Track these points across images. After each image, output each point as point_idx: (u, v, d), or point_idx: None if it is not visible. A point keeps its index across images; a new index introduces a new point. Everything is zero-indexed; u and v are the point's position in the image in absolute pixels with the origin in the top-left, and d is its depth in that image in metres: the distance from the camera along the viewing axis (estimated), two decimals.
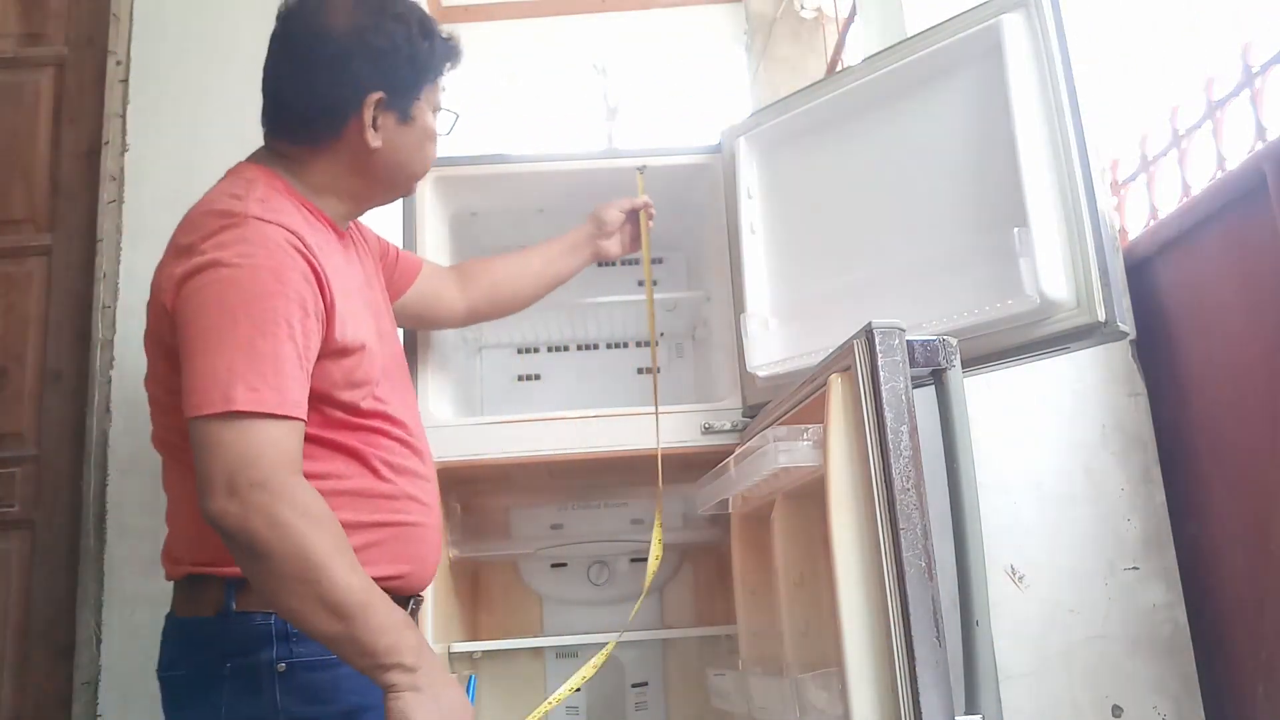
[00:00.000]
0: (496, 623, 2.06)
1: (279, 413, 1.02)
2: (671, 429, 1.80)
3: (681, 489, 1.92)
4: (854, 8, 2.52)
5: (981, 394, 1.84)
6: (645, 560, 2.12)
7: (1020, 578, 1.82)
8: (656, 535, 1.69)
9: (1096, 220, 1.37)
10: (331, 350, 1.15)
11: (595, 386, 2.18)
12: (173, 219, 1.92)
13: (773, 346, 1.74)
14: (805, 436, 1.26)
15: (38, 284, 1.94)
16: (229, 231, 1.10)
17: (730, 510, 1.69)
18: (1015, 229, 1.38)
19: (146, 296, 1.90)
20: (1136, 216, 1.99)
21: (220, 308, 1.05)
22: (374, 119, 1.23)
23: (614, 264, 2.23)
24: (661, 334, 2.25)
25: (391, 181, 1.32)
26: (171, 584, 1.23)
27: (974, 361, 1.40)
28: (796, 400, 1.41)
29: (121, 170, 1.94)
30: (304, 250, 1.13)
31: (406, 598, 1.25)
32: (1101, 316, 1.34)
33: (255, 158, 1.28)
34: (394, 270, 1.53)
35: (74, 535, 1.81)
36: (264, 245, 1.09)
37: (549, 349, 2.21)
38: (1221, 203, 1.62)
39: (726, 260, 1.86)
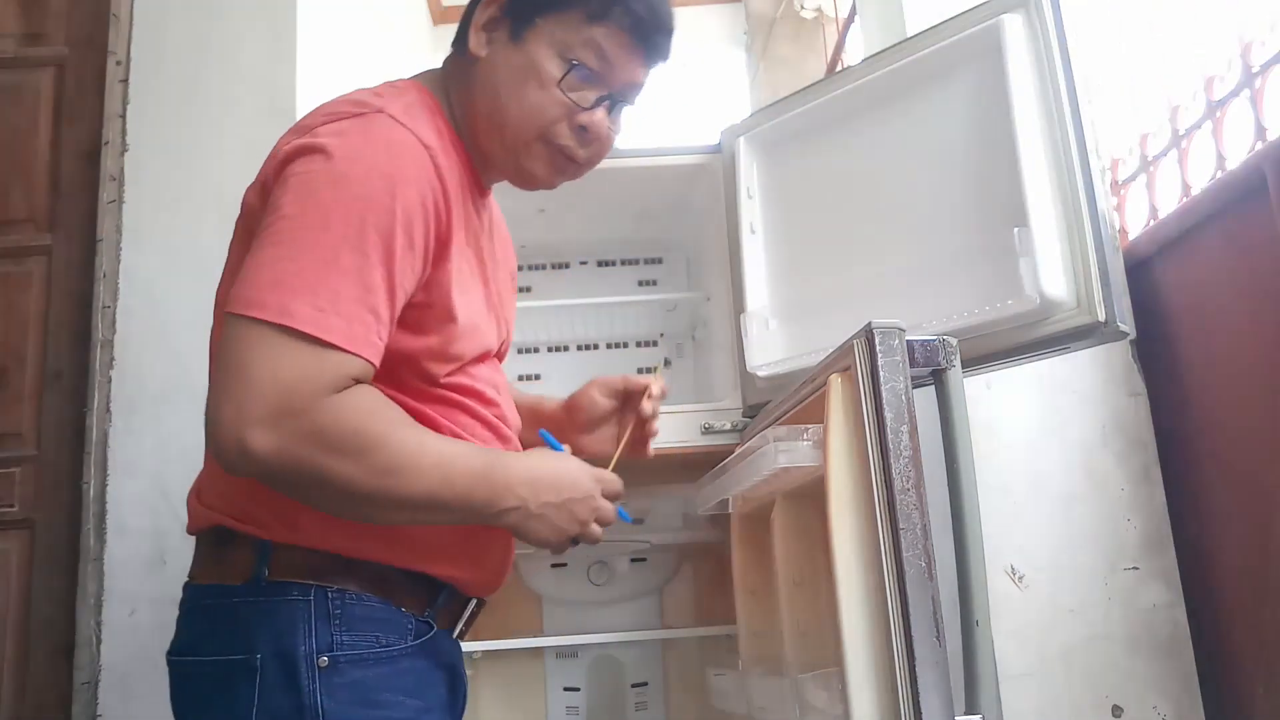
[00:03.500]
0: (496, 623, 2.06)
1: (340, 345, 0.85)
2: (671, 429, 1.79)
3: (682, 489, 1.92)
4: (854, 8, 2.53)
5: (981, 394, 1.84)
6: (645, 560, 2.12)
7: (1020, 578, 1.82)
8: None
9: (1096, 220, 1.37)
10: (433, 303, 0.97)
11: None
12: (173, 219, 1.93)
13: (773, 346, 1.74)
14: (805, 436, 1.26)
15: (38, 284, 1.94)
16: (353, 120, 0.93)
17: (730, 510, 1.69)
18: (1015, 229, 1.38)
19: (146, 296, 1.92)
20: (1136, 216, 1.99)
21: (314, 201, 0.88)
22: (487, 24, 1.05)
23: (614, 264, 2.23)
24: (661, 334, 2.25)
25: (489, 116, 1.05)
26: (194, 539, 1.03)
27: (974, 361, 1.40)
28: (796, 400, 1.41)
29: (121, 170, 1.94)
30: (437, 170, 0.95)
31: (466, 598, 1.10)
32: (1101, 316, 1.34)
33: (420, 74, 1.11)
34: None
35: (74, 535, 1.81)
36: (387, 146, 0.92)
37: (549, 349, 2.22)
38: (1221, 203, 1.62)
39: (726, 260, 1.86)
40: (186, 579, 1.00)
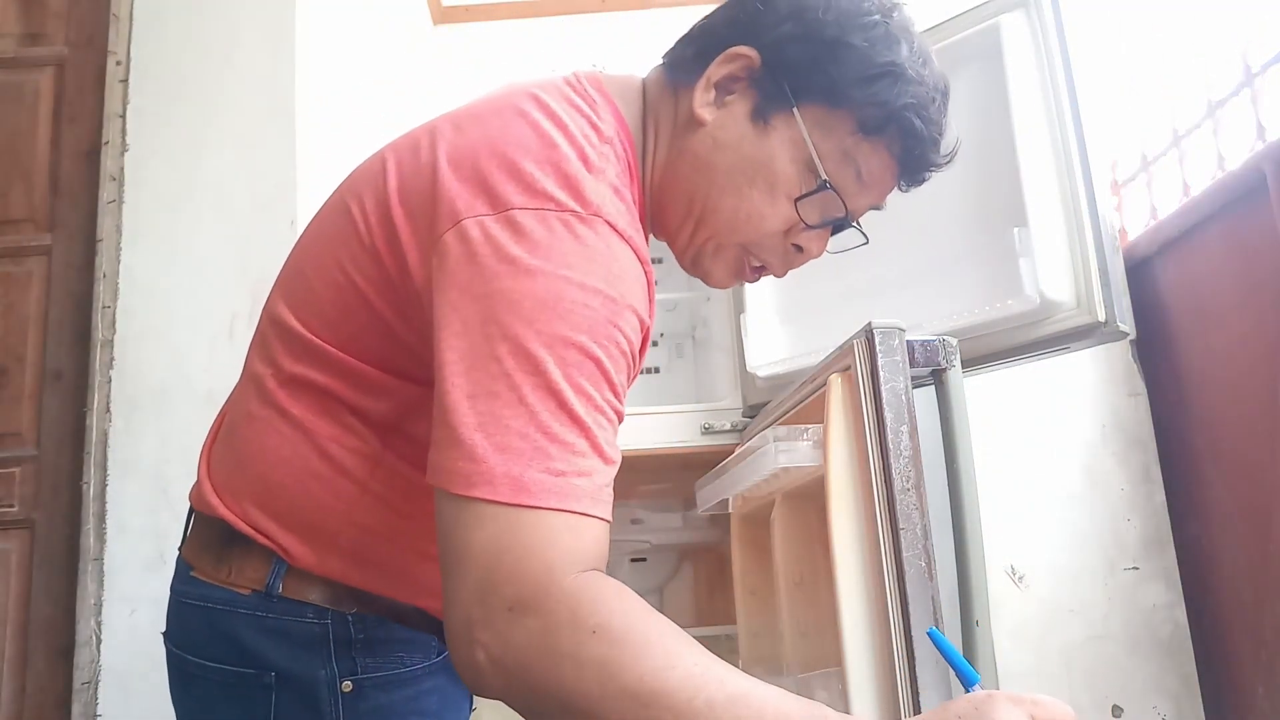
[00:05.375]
0: None
1: (587, 512, 0.67)
2: (671, 429, 1.80)
3: (681, 489, 1.92)
4: None
5: (981, 394, 1.84)
6: (645, 560, 2.12)
7: (1020, 578, 1.82)
8: None
9: (1096, 220, 1.37)
10: None
11: None
12: (173, 219, 1.93)
13: (773, 346, 1.74)
14: (805, 436, 1.26)
15: (38, 284, 1.93)
16: (564, 220, 0.71)
17: (730, 510, 1.69)
18: (1015, 229, 1.38)
19: (146, 296, 1.92)
20: (1136, 216, 1.99)
21: (521, 325, 0.67)
22: (723, 81, 0.83)
23: None
24: (661, 334, 2.25)
25: (690, 199, 0.85)
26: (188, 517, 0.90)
27: (974, 361, 1.40)
28: (796, 400, 1.41)
29: (121, 170, 1.94)
30: (648, 290, 0.77)
31: None
32: (1101, 316, 1.34)
33: (623, 91, 0.87)
34: None
35: (74, 535, 1.80)
36: (609, 264, 0.72)
37: None
38: (1221, 203, 1.62)
39: None
40: (180, 555, 0.88)
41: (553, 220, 0.71)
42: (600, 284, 0.70)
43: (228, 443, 0.87)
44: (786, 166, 0.82)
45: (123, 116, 1.96)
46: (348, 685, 0.81)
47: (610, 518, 0.70)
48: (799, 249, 0.87)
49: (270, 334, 0.85)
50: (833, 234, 0.89)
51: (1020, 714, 0.61)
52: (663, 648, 0.64)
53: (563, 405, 0.67)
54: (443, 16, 2.67)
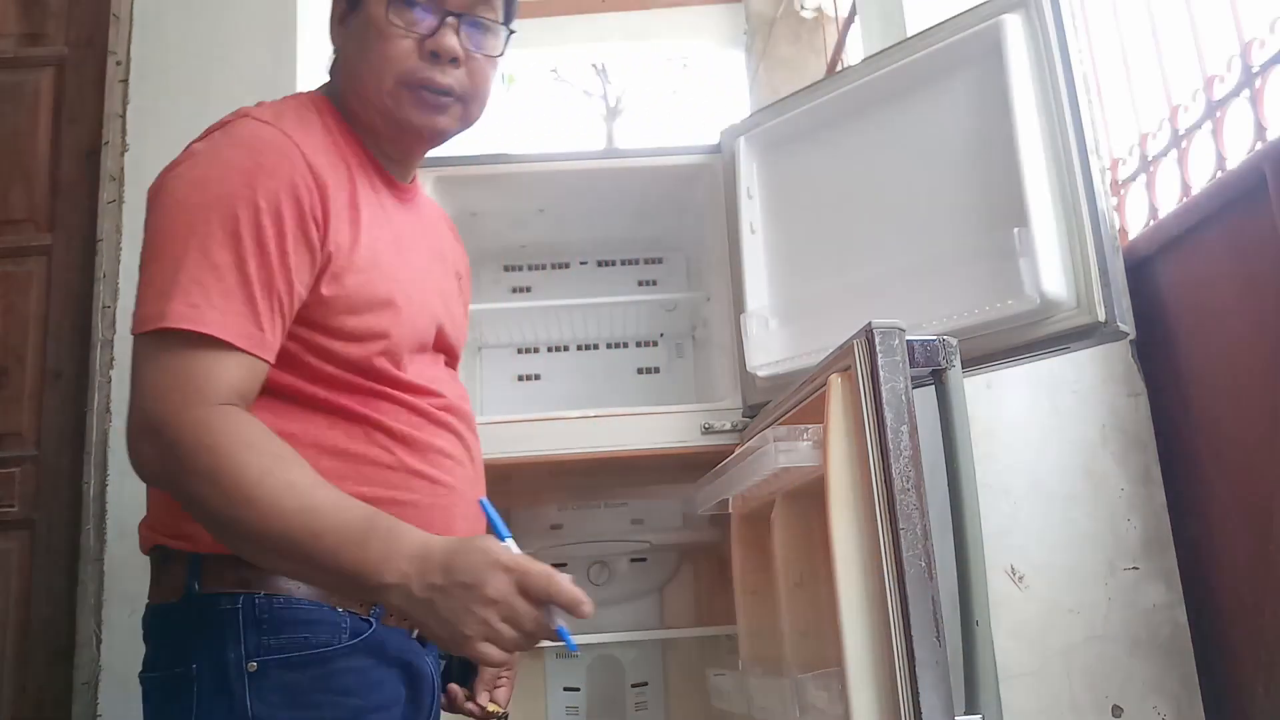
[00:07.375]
0: None
1: (220, 336, 0.86)
2: (671, 429, 1.79)
3: (681, 489, 1.92)
4: (854, 8, 2.53)
5: (981, 394, 1.84)
6: (645, 560, 2.12)
7: (1020, 578, 1.82)
8: None
9: (1096, 220, 1.37)
10: (341, 285, 0.96)
11: (595, 386, 2.18)
12: None
13: (773, 346, 1.74)
14: (805, 436, 1.26)
15: (38, 284, 1.94)
16: (217, 131, 0.98)
17: (730, 510, 1.69)
18: (1015, 229, 1.38)
19: None
20: (1136, 216, 1.99)
21: (177, 209, 0.92)
22: (334, 8, 1.09)
23: (614, 264, 2.24)
24: (661, 334, 2.25)
25: (352, 86, 1.06)
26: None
27: (974, 361, 1.40)
28: (796, 400, 1.41)
29: (121, 170, 1.94)
30: (303, 158, 0.95)
31: None
32: (1101, 316, 1.34)
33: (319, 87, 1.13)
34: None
35: (74, 535, 1.81)
36: (247, 144, 0.95)
37: (549, 349, 2.21)
38: (1221, 203, 1.62)
39: (726, 260, 1.86)
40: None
41: (212, 134, 0.97)
42: (242, 158, 0.93)
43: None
44: (375, 9, 1.02)
45: (123, 116, 1.96)
46: (253, 665, 0.90)
47: (255, 350, 0.88)
48: (436, 55, 1.03)
49: None
50: (462, 32, 1.04)
51: (508, 581, 0.81)
52: (259, 465, 0.83)
53: (207, 254, 0.87)
54: None
